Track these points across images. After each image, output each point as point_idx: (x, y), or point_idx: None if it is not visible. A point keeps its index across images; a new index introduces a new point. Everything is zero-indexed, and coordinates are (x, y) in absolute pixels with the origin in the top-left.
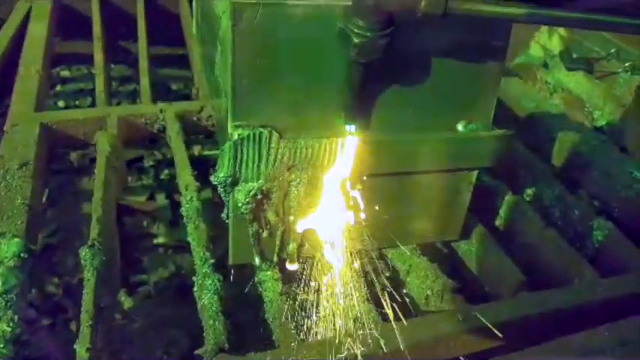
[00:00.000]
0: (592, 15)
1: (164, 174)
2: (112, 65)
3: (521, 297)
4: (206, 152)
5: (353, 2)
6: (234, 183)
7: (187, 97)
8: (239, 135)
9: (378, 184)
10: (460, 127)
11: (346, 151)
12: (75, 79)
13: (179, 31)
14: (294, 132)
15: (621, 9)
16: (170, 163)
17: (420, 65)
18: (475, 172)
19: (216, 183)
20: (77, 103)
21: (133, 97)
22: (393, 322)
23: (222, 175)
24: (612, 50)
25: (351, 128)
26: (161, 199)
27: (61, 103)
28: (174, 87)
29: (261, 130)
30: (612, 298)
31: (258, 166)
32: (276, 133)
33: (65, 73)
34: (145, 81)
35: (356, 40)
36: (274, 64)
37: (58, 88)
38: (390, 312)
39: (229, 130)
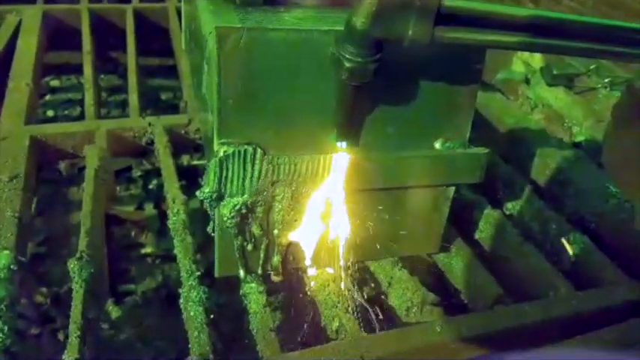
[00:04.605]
0: (589, 44)
1: (152, 184)
2: (102, 75)
3: (497, 310)
4: (194, 162)
5: (344, 30)
6: (220, 198)
7: (176, 107)
8: (224, 152)
9: (360, 199)
10: (438, 145)
11: (328, 167)
12: (64, 88)
13: (169, 42)
14: (278, 149)
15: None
16: (158, 173)
17: (400, 86)
18: (452, 188)
19: (202, 198)
20: (66, 112)
21: (123, 106)
22: (374, 334)
23: (207, 190)
24: (592, 66)
25: (342, 144)
26: (149, 208)
27: (50, 113)
28: (163, 97)
29: (246, 147)
30: (586, 311)
31: (243, 182)
32: (261, 150)
33: (55, 83)
34: (133, 96)
35: (348, 65)
36: (259, 85)
37: (48, 97)
38: (371, 323)
39: (215, 147)
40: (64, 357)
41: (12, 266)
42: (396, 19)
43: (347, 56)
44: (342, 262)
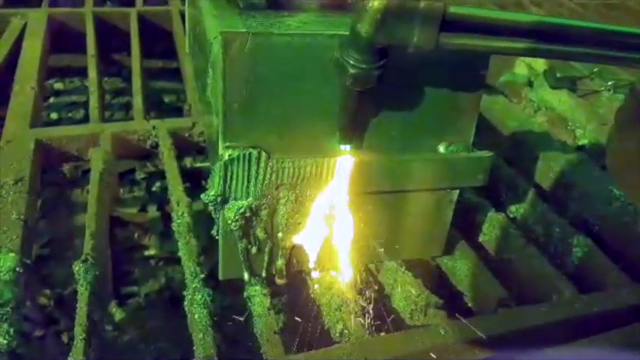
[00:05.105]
0: (593, 49)
1: (156, 186)
2: (106, 78)
3: (501, 313)
4: (198, 164)
5: (349, 36)
6: (225, 201)
7: (179, 110)
8: (229, 155)
9: (363, 202)
10: (442, 148)
11: (332, 170)
12: (68, 91)
13: (172, 45)
14: (282, 152)
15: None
16: (161, 175)
17: (404, 91)
18: (456, 192)
19: (207, 202)
20: (69, 115)
21: (127, 109)
22: (378, 336)
23: (212, 193)
24: (595, 69)
25: (345, 148)
26: (152, 211)
27: (53, 115)
28: (166, 99)
29: (251, 150)
30: (589, 314)
31: (248, 185)
32: (265, 153)
33: (58, 86)
34: (138, 99)
35: (352, 71)
36: (264, 89)
37: (51, 100)
38: (375, 326)
39: (220, 151)
40: (69, 359)
41: (17, 269)
42: (401, 27)
43: (351, 62)
44: (345, 265)
